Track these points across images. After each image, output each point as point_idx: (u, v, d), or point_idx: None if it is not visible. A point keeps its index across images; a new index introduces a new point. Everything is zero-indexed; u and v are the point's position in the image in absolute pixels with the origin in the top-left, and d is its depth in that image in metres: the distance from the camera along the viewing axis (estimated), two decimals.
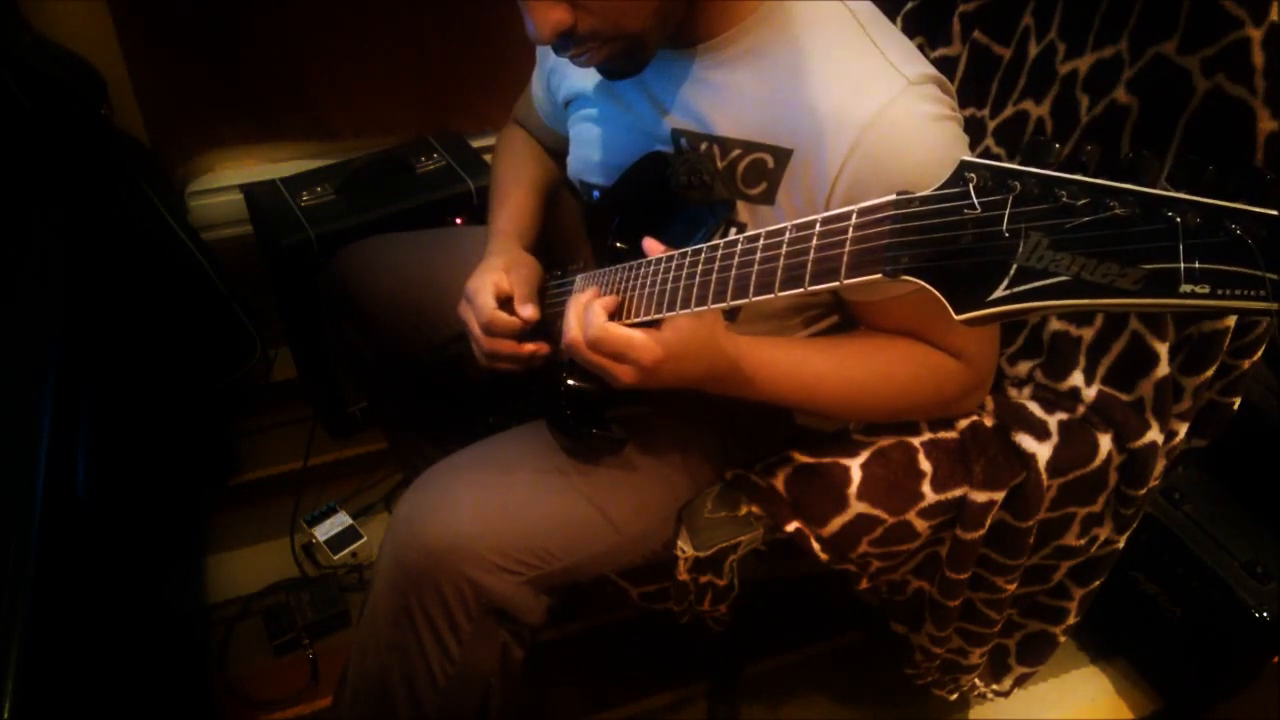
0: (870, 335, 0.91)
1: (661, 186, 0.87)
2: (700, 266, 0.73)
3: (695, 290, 0.73)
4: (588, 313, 0.80)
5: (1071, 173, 0.44)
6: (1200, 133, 0.88)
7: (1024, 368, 1.05)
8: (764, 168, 0.86)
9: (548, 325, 1.00)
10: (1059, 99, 1.02)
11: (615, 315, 0.82)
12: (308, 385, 1.77)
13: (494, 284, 0.98)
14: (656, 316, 0.78)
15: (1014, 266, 0.46)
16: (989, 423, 0.99)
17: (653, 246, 0.80)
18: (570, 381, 0.93)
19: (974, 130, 1.12)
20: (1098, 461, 0.96)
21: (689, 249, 0.75)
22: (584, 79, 1.01)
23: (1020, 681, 1.25)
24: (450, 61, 1.78)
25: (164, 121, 1.67)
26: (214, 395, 1.72)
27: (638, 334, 0.77)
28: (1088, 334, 0.99)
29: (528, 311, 0.98)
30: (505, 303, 0.99)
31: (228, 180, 1.75)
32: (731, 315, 0.93)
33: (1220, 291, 0.40)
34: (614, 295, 0.83)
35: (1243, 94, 0.84)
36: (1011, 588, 1.04)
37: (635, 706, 1.41)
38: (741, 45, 0.86)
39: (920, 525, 0.95)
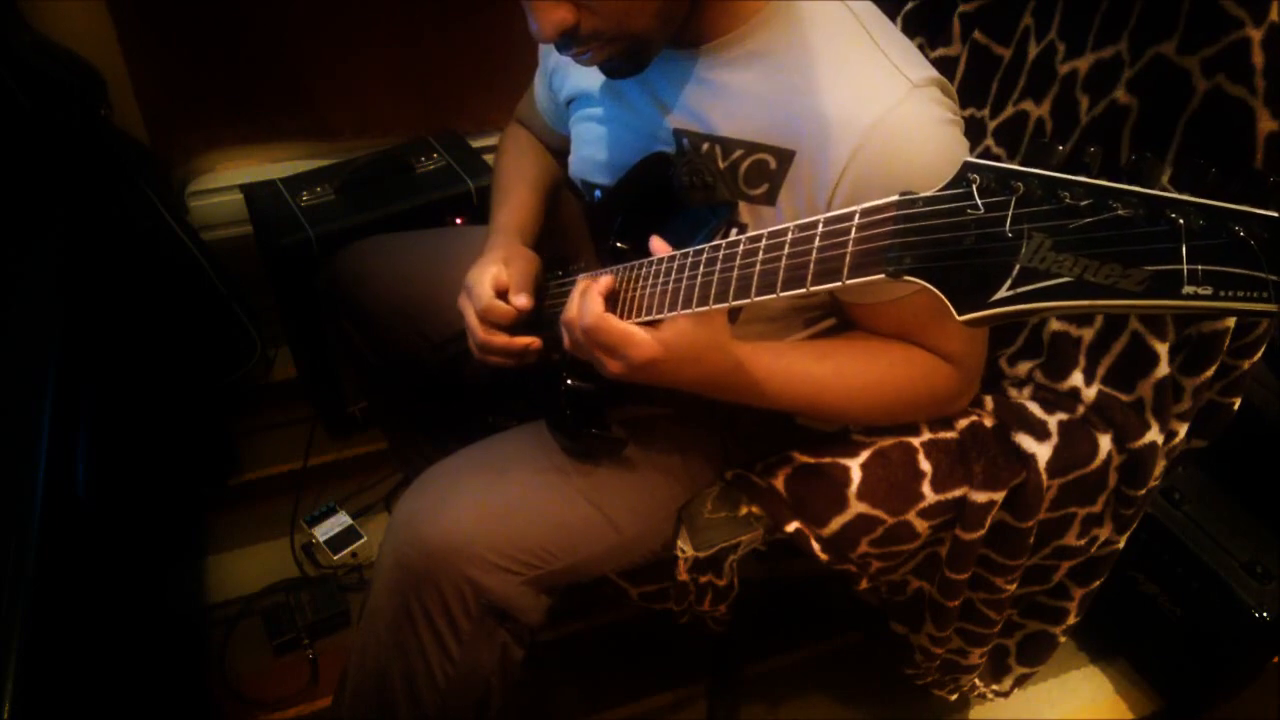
0: (866, 341, 0.91)
1: (664, 187, 0.87)
2: (702, 267, 0.73)
3: (697, 290, 0.73)
4: (584, 299, 0.79)
5: (1074, 174, 0.44)
6: (1200, 133, 0.88)
7: (1024, 368, 1.05)
8: (766, 169, 0.85)
9: (548, 325, 1.00)
10: (1059, 99, 1.02)
11: (617, 314, 0.82)
12: (308, 385, 1.77)
13: (492, 276, 0.99)
14: (658, 317, 0.78)
15: (1017, 267, 0.46)
16: (989, 423, 0.99)
17: (658, 245, 0.80)
18: (570, 381, 0.93)
19: (974, 130, 1.12)
20: (1097, 462, 0.96)
21: (690, 249, 0.75)
22: (586, 78, 1.01)
23: (1020, 682, 1.25)
24: (450, 61, 1.78)
25: (164, 121, 1.66)
26: (214, 395, 1.72)
27: (636, 330, 0.77)
28: (1087, 334, 0.99)
29: (521, 301, 0.99)
30: (504, 296, 0.99)
31: (228, 180, 1.75)
32: (733, 316, 0.93)
33: (1223, 293, 0.40)
34: (610, 276, 0.83)
35: (1243, 94, 0.84)
36: (1011, 588, 1.05)
37: (635, 706, 1.41)
38: (745, 46, 0.86)
39: (920, 525, 0.95)
